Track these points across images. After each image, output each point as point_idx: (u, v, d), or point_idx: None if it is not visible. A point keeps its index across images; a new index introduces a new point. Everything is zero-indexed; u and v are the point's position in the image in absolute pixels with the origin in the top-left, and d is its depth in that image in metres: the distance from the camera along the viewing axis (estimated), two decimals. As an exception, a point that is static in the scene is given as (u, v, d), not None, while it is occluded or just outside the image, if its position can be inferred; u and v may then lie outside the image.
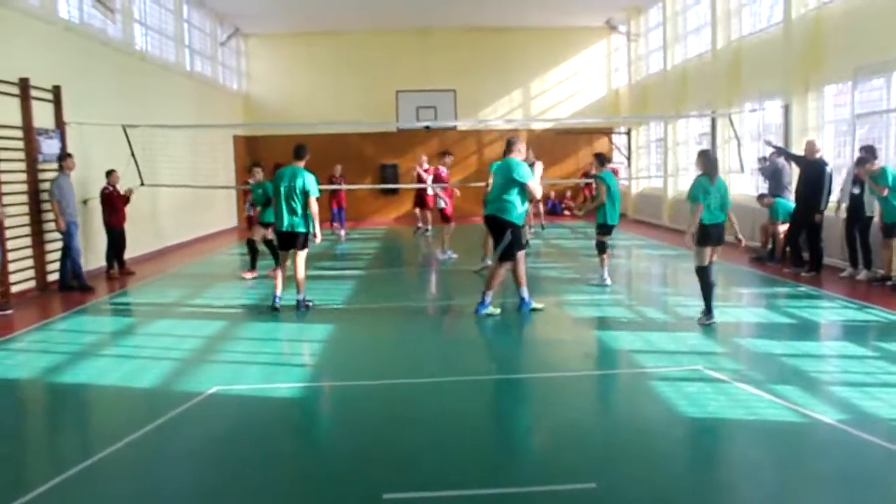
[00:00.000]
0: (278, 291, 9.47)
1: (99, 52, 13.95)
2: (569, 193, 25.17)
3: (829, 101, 12.97)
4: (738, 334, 7.96)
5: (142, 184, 13.57)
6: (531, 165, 9.17)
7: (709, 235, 7.98)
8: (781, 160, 12.65)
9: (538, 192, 8.86)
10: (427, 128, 22.28)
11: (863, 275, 10.56)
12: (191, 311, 9.79)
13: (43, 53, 11.86)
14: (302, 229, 9.28)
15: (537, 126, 24.12)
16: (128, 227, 12.93)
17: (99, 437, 5.41)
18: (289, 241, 9.40)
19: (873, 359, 6.76)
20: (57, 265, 11.79)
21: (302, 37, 24.30)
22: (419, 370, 6.78)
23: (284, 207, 9.25)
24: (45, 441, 5.57)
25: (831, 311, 8.95)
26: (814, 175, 11.05)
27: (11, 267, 10.50)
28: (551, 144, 22.97)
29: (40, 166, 11.47)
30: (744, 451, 4.93)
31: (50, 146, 11.68)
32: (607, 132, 24.56)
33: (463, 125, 23.52)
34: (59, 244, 11.90)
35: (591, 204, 11.01)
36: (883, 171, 10.02)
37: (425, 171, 18.01)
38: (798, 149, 12.43)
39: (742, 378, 6.16)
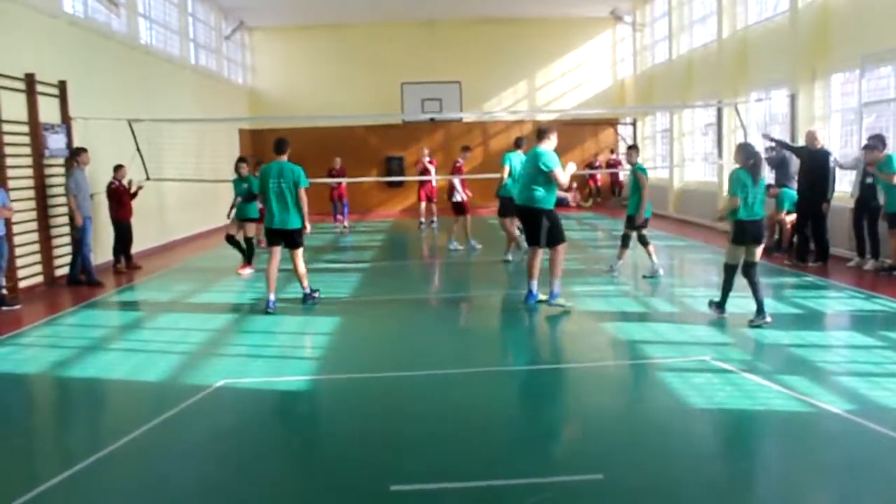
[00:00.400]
0: (272, 296, 8.96)
1: (103, 47, 13.95)
2: (574, 185, 25.08)
3: (835, 89, 12.90)
4: (745, 325, 7.94)
5: (147, 178, 13.60)
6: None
7: (745, 232, 7.56)
8: (786, 151, 12.58)
9: (564, 180, 8.68)
10: (432, 119, 22.26)
11: (870, 264, 10.51)
12: (197, 305, 9.81)
13: (48, 48, 11.87)
14: (296, 225, 8.98)
15: (542, 117, 24.01)
16: (134, 221, 12.95)
17: (107, 430, 5.44)
18: (281, 238, 9.08)
19: (881, 348, 6.74)
20: (64, 260, 11.86)
21: (307, 30, 24.29)
22: (426, 362, 6.79)
23: (276, 204, 8.90)
24: (53, 435, 5.60)
25: (838, 301, 8.92)
26: (817, 165, 10.99)
27: (19, 262, 10.54)
28: (557, 135, 22.89)
29: (47, 161, 11.50)
30: (751, 441, 4.93)
31: (56, 141, 11.71)
32: (613, 123, 24.50)
33: (468, 117, 23.49)
34: (67, 239, 11.98)
35: (641, 198, 10.75)
36: (889, 158, 9.97)
37: (428, 163, 18.01)
38: (804, 139, 12.37)
39: (749, 368, 6.15)
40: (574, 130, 24.17)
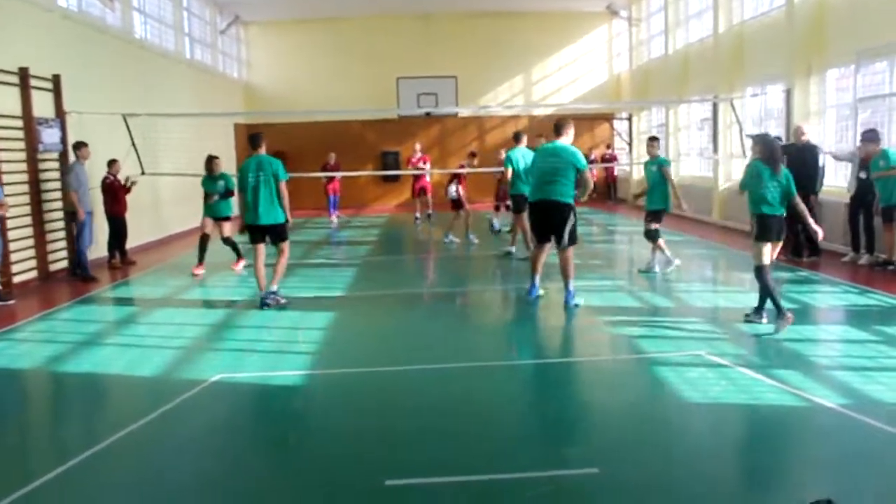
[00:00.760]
0: (263, 291, 8.91)
1: (98, 41, 13.90)
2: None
3: (831, 85, 12.91)
4: (739, 319, 7.95)
5: (143, 173, 13.57)
6: None
7: (769, 229, 7.10)
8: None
9: (591, 183, 8.53)
10: (428, 114, 22.24)
11: (865, 259, 10.54)
12: (193, 300, 9.80)
13: (42, 42, 11.82)
14: (279, 219, 8.75)
15: (538, 112, 24.02)
16: (129, 216, 12.92)
17: (103, 425, 5.43)
18: (264, 234, 8.84)
19: (875, 343, 6.75)
20: (59, 254, 11.87)
21: (302, 24, 24.22)
22: (421, 357, 6.79)
23: (258, 199, 8.64)
24: (49, 430, 5.59)
25: (833, 296, 8.94)
26: (804, 160, 10.94)
27: (13, 257, 10.51)
28: (553, 130, 22.88)
29: (40, 156, 11.47)
30: (746, 435, 4.95)
31: (50, 135, 11.67)
32: (609, 118, 24.49)
33: (464, 112, 23.46)
34: (61, 234, 11.98)
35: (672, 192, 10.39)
36: (884, 153, 9.99)
37: (419, 159, 18.02)
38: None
39: (744, 363, 6.17)
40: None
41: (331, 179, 20.14)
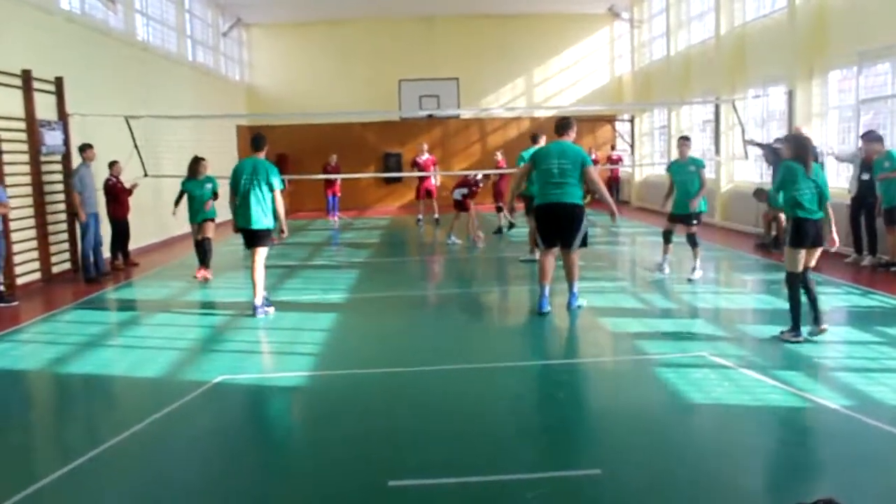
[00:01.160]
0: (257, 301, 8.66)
1: (101, 43, 13.94)
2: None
3: (833, 86, 12.91)
4: (742, 320, 7.96)
5: (145, 175, 13.59)
6: None
7: (804, 234, 6.66)
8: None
9: (600, 181, 8.35)
10: (430, 116, 22.27)
11: (867, 261, 10.53)
12: (195, 302, 9.80)
13: (45, 45, 11.85)
14: (267, 225, 8.53)
15: (540, 114, 24.04)
16: (132, 218, 12.95)
17: (106, 426, 5.44)
18: (253, 239, 8.62)
19: (877, 344, 6.75)
20: (61, 256, 11.90)
21: (304, 26, 24.25)
22: (424, 358, 6.79)
23: (248, 203, 8.42)
24: (52, 431, 5.60)
25: (835, 297, 8.93)
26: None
27: (16, 258, 10.53)
28: (555, 129, 22.86)
29: (43, 158, 11.49)
30: (748, 436, 4.94)
31: (53, 138, 11.69)
32: (611, 119, 24.50)
33: (466, 113, 23.48)
34: (64, 235, 12.04)
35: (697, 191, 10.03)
36: (889, 154, 9.97)
37: (427, 161, 18.04)
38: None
39: (746, 364, 6.16)
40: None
41: (331, 181, 20.26)
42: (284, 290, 10.31)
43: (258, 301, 8.55)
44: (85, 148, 11.62)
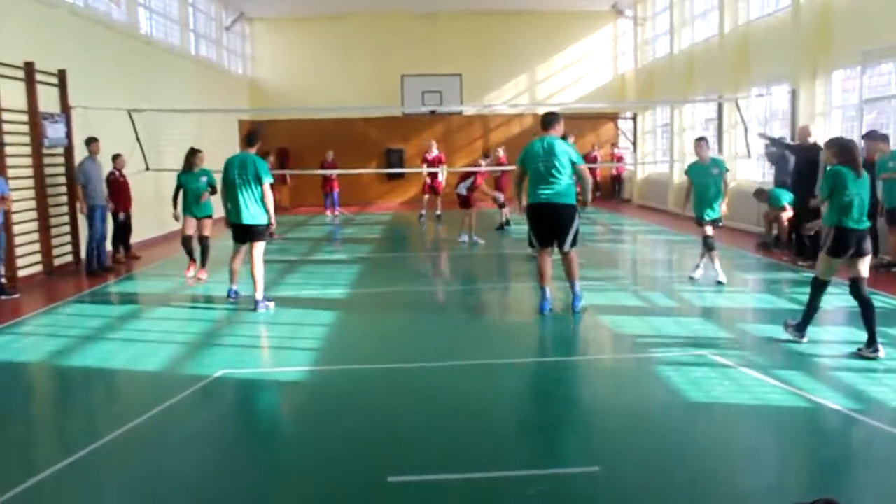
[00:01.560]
0: (234, 285, 9.01)
1: (104, 36, 13.92)
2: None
3: (836, 86, 12.89)
4: (743, 320, 7.96)
5: (147, 168, 13.58)
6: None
7: (845, 244, 6.25)
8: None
9: (590, 178, 8.20)
10: (432, 112, 22.26)
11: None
12: (196, 295, 9.80)
13: (48, 37, 11.84)
14: (260, 220, 8.59)
15: (543, 111, 23.94)
16: (133, 211, 12.96)
17: (106, 419, 5.45)
18: (245, 234, 8.69)
19: (879, 344, 6.73)
20: (64, 249, 11.91)
21: (307, 21, 24.23)
22: (424, 354, 6.80)
23: (238, 198, 8.50)
24: (53, 423, 5.62)
25: (836, 297, 8.90)
26: (807, 160, 10.91)
27: (18, 251, 10.53)
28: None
29: (46, 151, 11.49)
30: (749, 436, 4.94)
31: (55, 130, 11.69)
32: (613, 117, 24.47)
33: (468, 110, 23.46)
34: (66, 228, 12.06)
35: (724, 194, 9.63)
36: (894, 154, 9.94)
37: (435, 157, 18.05)
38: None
39: (747, 363, 6.16)
40: (574, 124, 24.14)
41: (329, 177, 20.38)
42: (285, 286, 10.32)
43: (259, 296, 8.59)
44: (91, 141, 11.65)
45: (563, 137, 11.18)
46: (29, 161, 11.15)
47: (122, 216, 12.54)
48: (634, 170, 23.02)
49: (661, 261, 12.86)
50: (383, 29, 24.07)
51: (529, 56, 24.59)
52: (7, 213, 9.96)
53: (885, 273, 10.00)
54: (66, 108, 12.10)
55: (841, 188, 6.22)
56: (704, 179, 9.50)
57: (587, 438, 4.91)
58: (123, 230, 12.79)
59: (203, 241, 10.74)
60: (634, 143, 23.43)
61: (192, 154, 10.73)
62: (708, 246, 9.55)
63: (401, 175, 23.90)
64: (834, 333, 7.44)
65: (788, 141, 12.61)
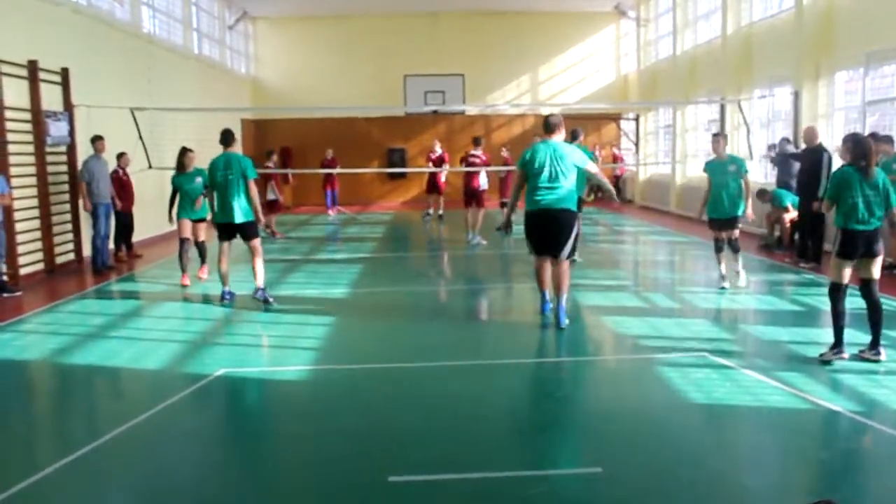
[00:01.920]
0: (227, 287, 8.96)
1: (107, 35, 13.94)
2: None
3: (839, 87, 12.87)
4: (744, 321, 7.95)
5: (150, 167, 13.60)
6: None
7: (853, 246, 6.11)
8: (791, 148, 12.58)
9: (597, 170, 7.88)
10: (435, 112, 22.25)
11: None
12: (198, 294, 9.81)
13: (51, 36, 11.86)
14: (250, 217, 8.66)
15: (545, 111, 23.96)
16: (136, 210, 12.98)
17: (108, 417, 5.45)
18: (233, 233, 8.76)
19: (882, 348, 6.72)
20: (66, 247, 11.93)
21: (310, 20, 24.25)
22: (425, 354, 6.80)
23: (226, 198, 8.59)
24: (54, 421, 5.62)
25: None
26: (810, 163, 10.88)
27: (20, 249, 10.55)
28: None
29: (49, 149, 11.50)
30: (749, 437, 4.94)
31: (58, 129, 11.70)
32: (616, 118, 24.46)
33: (471, 110, 23.45)
34: (69, 226, 12.07)
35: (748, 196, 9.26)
36: None
37: (438, 156, 18.07)
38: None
39: (748, 365, 6.16)
40: (577, 125, 24.09)
41: (328, 176, 20.49)
42: (287, 285, 10.33)
43: (260, 284, 8.74)
44: (96, 139, 11.69)
45: (574, 137, 11.20)
46: (32, 159, 11.17)
47: (123, 208, 12.52)
48: (636, 171, 23.01)
49: (662, 262, 12.86)
50: (386, 29, 24.08)
51: (532, 56, 24.59)
52: (8, 211, 9.98)
53: (886, 275, 9.96)
54: (68, 106, 12.12)
55: (846, 190, 6.09)
56: (722, 177, 9.12)
57: (588, 439, 4.90)
58: (126, 229, 12.81)
59: (199, 245, 10.56)
60: (637, 144, 23.42)
61: (184, 154, 10.35)
62: (733, 248, 9.19)
63: (402, 175, 23.90)
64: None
65: (792, 149, 12.53)
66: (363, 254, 13.58)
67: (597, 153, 22.97)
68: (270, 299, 8.77)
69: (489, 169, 14.89)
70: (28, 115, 11.12)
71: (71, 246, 12.15)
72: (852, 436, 4.84)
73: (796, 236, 11.80)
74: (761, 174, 15.49)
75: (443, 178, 18.19)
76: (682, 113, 19.52)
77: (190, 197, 10.20)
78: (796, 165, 12.06)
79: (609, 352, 7.12)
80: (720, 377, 5.88)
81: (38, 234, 11.22)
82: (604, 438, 4.86)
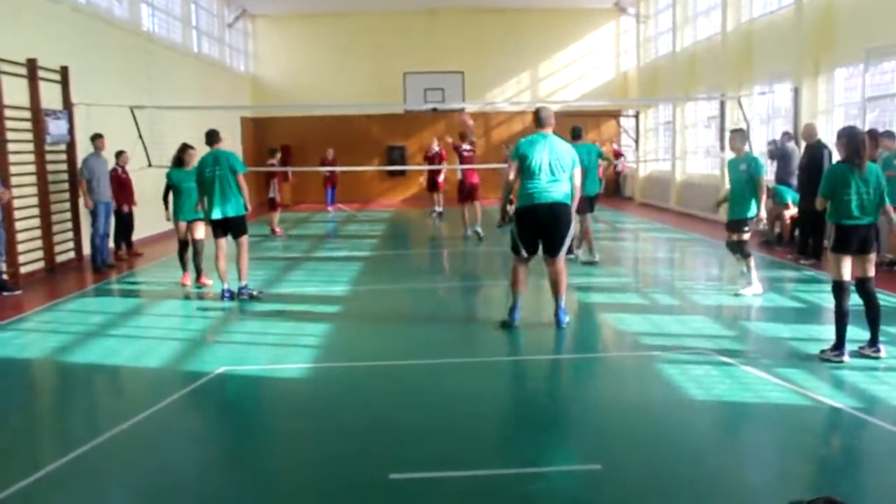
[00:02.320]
0: (226, 284, 8.97)
1: (106, 33, 13.93)
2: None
3: (839, 84, 12.86)
4: (745, 318, 7.95)
5: (149, 165, 13.59)
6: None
7: (847, 240, 6.08)
8: (791, 144, 12.57)
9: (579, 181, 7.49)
10: (434, 109, 22.23)
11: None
12: (197, 293, 9.80)
13: (50, 34, 11.84)
14: (238, 212, 8.82)
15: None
16: (136, 208, 12.97)
17: (108, 415, 5.45)
18: (226, 229, 8.92)
19: (880, 343, 6.72)
20: (66, 246, 11.93)
21: (310, 18, 24.22)
22: (426, 351, 6.80)
23: (216, 194, 8.71)
24: (55, 419, 5.62)
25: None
26: (812, 159, 10.85)
27: (20, 248, 10.54)
28: (559, 127, 22.77)
29: (48, 147, 11.49)
30: (750, 434, 4.94)
31: (58, 127, 11.70)
32: (616, 115, 24.44)
33: (471, 107, 23.41)
34: (69, 225, 12.07)
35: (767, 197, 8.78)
36: None
37: (436, 154, 18.08)
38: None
39: (749, 361, 6.16)
40: (576, 122, 24.07)
41: (329, 174, 20.58)
42: (287, 282, 10.33)
43: (243, 282, 8.89)
44: (96, 137, 11.68)
45: (577, 136, 11.10)
46: (31, 158, 11.16)
47: (125, 208, 12.52)
48: (636, 167, 22.99)
49: (662, 259, 12.85)
50: (385, 26, 24.05)
51: (532, 53, 24.56)
52: (8, 210, 9.97)
53: (886, 271, 9.98)
54: (68, 104, 12.11)
55: (840, 187, 6.06)
56: (733, 175, 8.71)
57: (588, 436, 4.90)
58: (126, 227, 12.80)
59: (196, 244, 9.97)
60: (637, 141, 23.41)
61: (184, 150, 10.10)
62: (742, 253, 8.66)
63: (402, 172, 23.89)
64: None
65: (792, 145, 12.44)
66: (363, 251, 13.57)
67: (606, 150, 23.03)
68: (255, 293, 8.96)
69: (488, 167, 14.87)
70: (27, 114, 11.11)
71: (71, 244, 12.14)
72: (852, 432, 4.84)
73: (796, 233, 11.79)
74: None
75: (441, 177, 18.18)
76: (682, 110, 19.50)
77: (188, 195, 9.80)
78: (795, 161, 12.05)
79: (609, 349, 7.11)
80: (720, 374, 5.88)
81: (38, 233, 11.21)
82: (603, 435, 4.86)
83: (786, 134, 12.99)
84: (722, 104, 16.49)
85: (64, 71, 12.02)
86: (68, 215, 12.09)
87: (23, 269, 10.57)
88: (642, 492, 4.05)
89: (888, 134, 10.17)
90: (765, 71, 15.13)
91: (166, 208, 10.31)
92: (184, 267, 10.18)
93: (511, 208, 7.71)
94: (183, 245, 10.15)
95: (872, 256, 6.21)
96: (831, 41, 12.68)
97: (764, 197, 8.47)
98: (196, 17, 19.82)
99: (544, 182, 7.16)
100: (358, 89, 23.22)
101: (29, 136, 11.12)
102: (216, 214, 8.83)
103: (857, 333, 6.43)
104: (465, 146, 14.73)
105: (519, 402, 5.70)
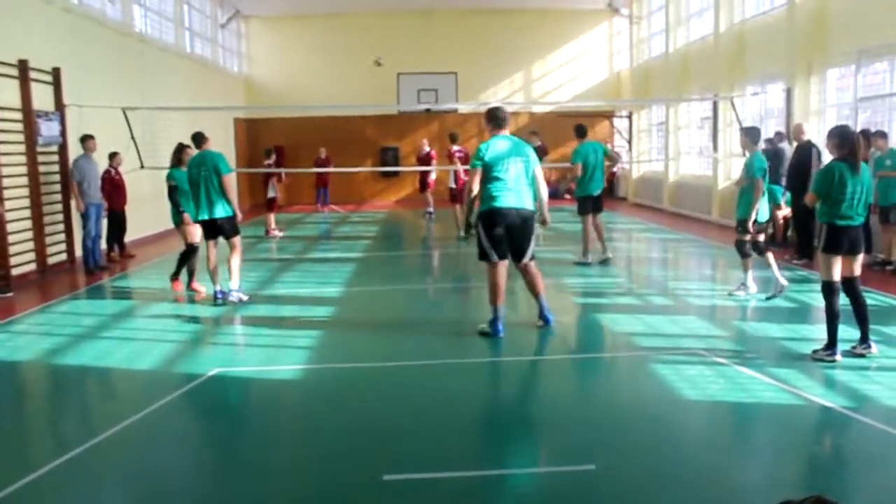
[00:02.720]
0: (218, 286, 8.87)
1: (98, 34, 13.88)
2: (569, 175, 25.09)
3: (831, 84, 12.92)
4: (738, 317, 7.97)
5: (142, 166, 13.56)
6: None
7: (839, 241, 6.02)
8: (784, 144, 12.59)
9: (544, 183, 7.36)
10: (428, 110, 22.25)
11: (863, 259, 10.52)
12: (191, 294, 9.77)
13: (42, 35, 11.80)
14: (227, 213, 8.77)
15: (538, 109, 24.03)
16: (128, 209, 12.93)
17: (101, 418, 5.44)
18: (215, 230, 8.86)
19: (873, 342, 6.74)
20: (58, 248, 11.88)
21: (302, 18, 24.19)
22: (419, 352, 6.80)
23: (202, 194, 8.71)
24: (48, 422, 5.60)
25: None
26: (799, 159, 10.89)
27: (11, 249, 10.50)
28: (552, 128, 22.87)
29: (40, 149, 11.45)
30: (743, 433, 4.96)
31: (49, 128, 11.65)
32: (609, 115, 24.48)
33: (464, 108, 23.44)
34: (61, 227, 12.02)
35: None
36: (892, 152, 9.97)
37: (426, 154, 18.10)
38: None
39: (742, 361, 6.18)
40: (570, 123, 24.03)
41: (321, 174, 20.64)
42: (280, 283, 10.31)
43: (234, 285, 8.82)
44: (86, 139, 11.62)
45: (582, 134, 11.15)
46: (23, 159, 11.11)
47: (114, 207, 12.45)
48: (629, 168, 23.04)
49: (656, 259, 12.87)
50: (378, 27, 24.03)
51: (525, 54, 24.59)
52: (-2, 212, 9.93)
53: (878, 271, 10.02)
54: (60, 106, 12.06)
55: (834, 186, 5.97)
56: (744, 175, 8.50)
57: (583, 436, 4.90)
58: (118, 228, 12.76)
59: (190, 247, 9.57)
60: (630, 142, 23.44)
61: (181, 150, 9.72)
62: (742, 252, 8.60)
63: (395, 173, 23.89)
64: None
65: (785, 144, 12.47)
66: (356, 253, 13.56)
67: (610, 147, 23.05)
68: (245, 297, 8.87)
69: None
70: (19, 115, 11.06)
71: (63, 246, 12.10)
72: (844, 431, 4.86)
73: (790, 233, 11.83)
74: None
75: (432, 177, 18.21)
76: (675, 110, 19.55)
77: (185, 195, 9.49)
78: (786, 163, 12.08)
79: (603, 349, 7.12)
80: (714, 374, 5.89)
81: (29, 235, 11.17)
82: (598, 435, 4.87)
83: (778, 134, 13.01)
84: (715, 105, 16.54)
85: (56, 72, 11.98)
86: (60, 217, 12.04)
87: (14, 271, 10.52)
88: (637, 491, 4.06)
89: (881, 134, 10.22)
90: (757, 71, 15.18)
91: (183, 210, 9.44)
92: (190, 275, 9.73)
93: (474, 214, 7.46)
94: (191, 249, 9.59)
95: (860, 257, 6.22)
96: (823, 42, 12.73)
97: (757, 199, 8.23)
98: (189, 18, 19.78)
99: (509, 184, 6.97)
100: (352, 90, 23.20)
101: (20, 137, 11.07)
102: (203, 216, 8.81)
103: (849, 333, 6.45)
104: (456, 147, 14.77)
105: (513, 402, 5.70)
